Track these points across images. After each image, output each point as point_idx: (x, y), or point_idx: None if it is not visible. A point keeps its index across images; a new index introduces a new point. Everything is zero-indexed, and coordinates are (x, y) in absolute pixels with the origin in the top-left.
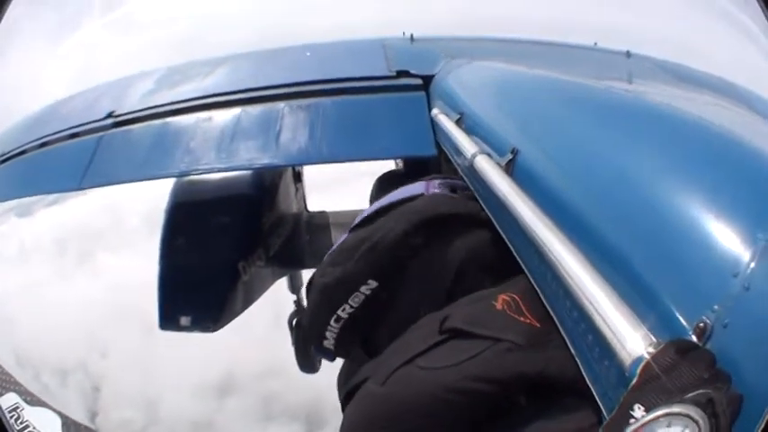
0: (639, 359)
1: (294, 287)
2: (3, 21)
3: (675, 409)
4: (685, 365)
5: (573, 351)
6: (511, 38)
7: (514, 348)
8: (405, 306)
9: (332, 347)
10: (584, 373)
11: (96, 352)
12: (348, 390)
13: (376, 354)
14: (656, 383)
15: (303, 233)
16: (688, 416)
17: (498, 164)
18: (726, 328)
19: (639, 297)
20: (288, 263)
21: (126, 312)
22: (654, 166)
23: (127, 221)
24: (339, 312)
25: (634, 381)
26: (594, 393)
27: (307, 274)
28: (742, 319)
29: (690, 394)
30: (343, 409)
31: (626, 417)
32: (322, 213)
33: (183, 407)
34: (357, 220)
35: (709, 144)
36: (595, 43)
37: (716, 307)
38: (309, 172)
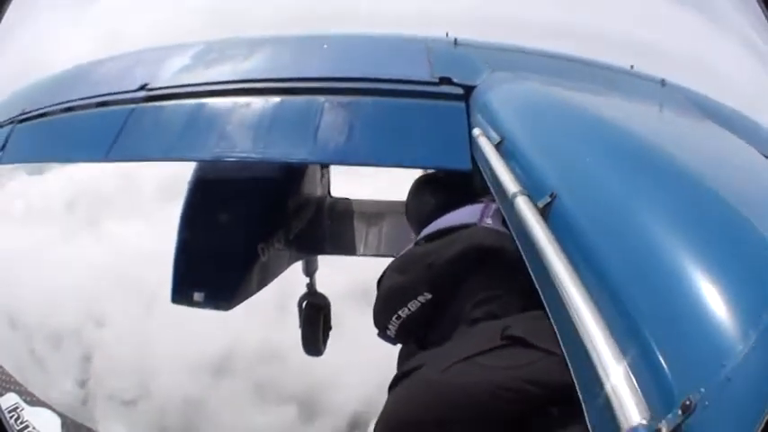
0: (635, 429)
1: (309, 271)
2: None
3: None
4: None
5: (581, 396)
6: (552, 52)
7: (564, 362)
8: (452, 316)
9: (393, 336)
10: (584, 412)
11: (93, 320)
12: (402, 372)
13: (426, 347)
14: None
15: (325, 218)
16: None
17: (536, 206)
18: (705, 411)
19: (644, 362)
20: (307, 247)
21: (128, 283)
22: (677, 234)
23: (142, 188)
24: (399, 312)
25: None
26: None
27: (322, 259)
28: (718, 406)
29: None
30: (390, 390)
31: None
32: (345, 200)
33: (176, 383)
34: (423, 234)
35: (728, 219)
36: (632, 66)
37: (702, 390)
38: None
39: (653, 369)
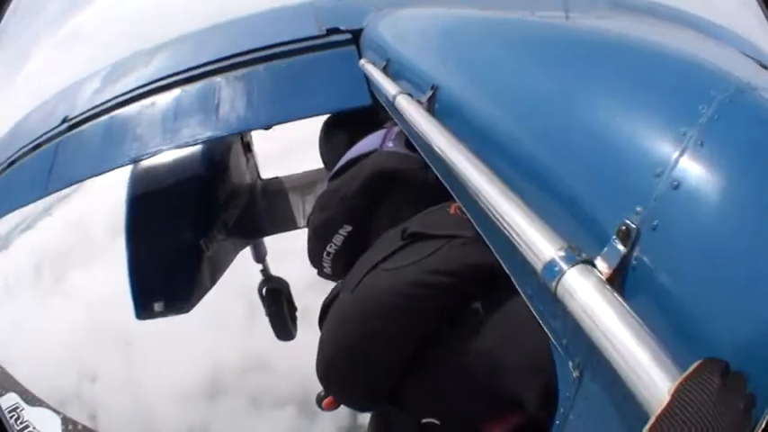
0: (551, 263)
1: (259, 257)
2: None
3: None
4: (725, 395)
5: (508, 270)
6: None
7: (468, 242)
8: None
9: (330, 273)
10: (517, 286)
11: (87, 377)
12: (323, 307)
13: None
14: (694, 416)
15: (259, 201)
16: None
17: (419, 101)
18: (655, 231)
19: (559, 209)
20: (248, 232)
21: (105, 331)
22: (569, 82)
23: (93, 233)
24: (327, 248)
25: (663, 404)
26: (525, 298)
27: (269, 242)
28: (674, 219)
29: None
30: (320, 329)
31: None
32: (275, 179)
33: (178, 416)
34: (333, 171)
35: (619, 52)
36: None
37: (639, 209)
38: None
39: (573, 212)
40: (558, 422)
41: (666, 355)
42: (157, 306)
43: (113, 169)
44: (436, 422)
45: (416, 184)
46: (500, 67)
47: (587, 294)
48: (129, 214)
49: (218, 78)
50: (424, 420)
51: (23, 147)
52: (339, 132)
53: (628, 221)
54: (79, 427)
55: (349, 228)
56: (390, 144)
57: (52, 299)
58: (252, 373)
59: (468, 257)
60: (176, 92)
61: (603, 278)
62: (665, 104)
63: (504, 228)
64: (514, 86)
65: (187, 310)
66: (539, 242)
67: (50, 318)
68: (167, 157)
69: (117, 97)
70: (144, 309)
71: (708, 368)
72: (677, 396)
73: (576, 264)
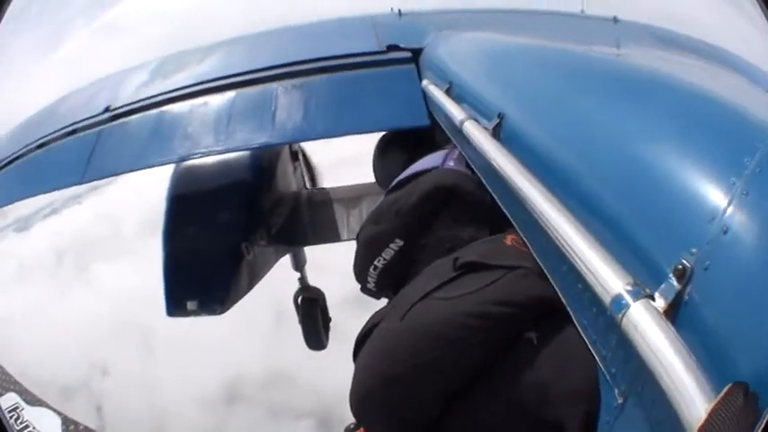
0: (619, 297)
1: (298, 265)
2: (2, 21)
3: None
4: (747, 412)
5: (564, 300)
6: (497, 8)
7: (529, 274)
8: (425, 261)
9: (373, 289)
10: (572, 315)
11: (98, 370)
12: (361, 335)
13: None
14: (722, 429)
15: (304, 210)
16: None
17: (485, 128)
18: (707, 271)
19: (620, 244)
20: (290, 240)
21: (125, 326)
22: (630, 122)
23: (124, 228)
24: (375, 262)
25: (699, 425)
26: (579, 328)
27: (309, 251)
28: (722, 262)
29: None
30: (354, 359)
31: None
32: (321, 190)
33: (191, 419)
34: (393, 184)
35: (681, 100)
36: (582, 10)
37: (694, 250)
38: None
39: (634, 249)
40: None
41: (708, 381)
42: (191, 305)
43: (159, 165)
44: None
45: (473, 203)
46: (564, 101)
47: (648, 327)
48: (171, 210)
49: (275, 85)
50: None
51: (57, 131)
52: (395, 150)
53: (684, 261)
54: (80, 427)
55: (400, 242)
56: (451, 163)
57: (71, 288)
58: (273, 384)
59: (531, 289)
60: (231, 94)
61: (661, 312)
62: (716, 153)
63: (574, 259)
64: (578, 122)
65: (221, 312)
66: (608, 277)
67: (67, 307)
68: (215, 157)
69: (167, 93)
70: (176, 306)
71: (735, 391)
72: (712, 415)
73: (640, 298)
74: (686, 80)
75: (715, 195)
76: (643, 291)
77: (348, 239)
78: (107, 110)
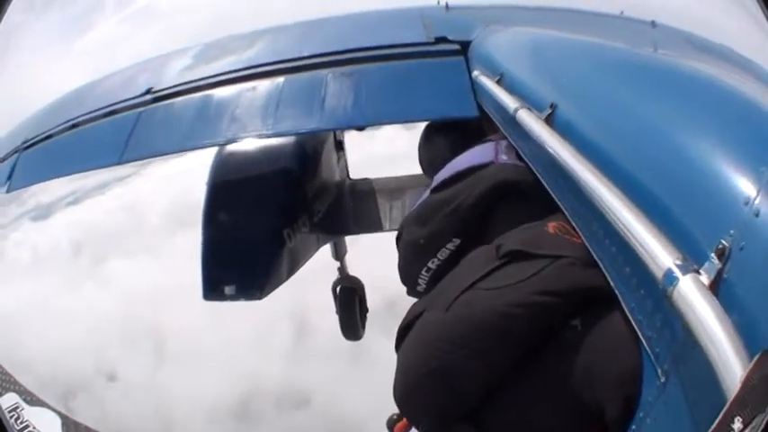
0: (670, 271)
1: (338, 254)
2: (2, 21)
3: None
4: None
5: (612, 283)
6: (541, 6)
7: (575, 263)
8: None
9: (423, 291)
10: (620, 298)
11: (104, 375)
12: (403, 326)
13: None
14: (753, 394)
15: (347, 200)
16: None
17: (539, 117)
18: (742, 251)
19: (666, 226)
20: (332, 229)
21: (136, 330)
22: (672, 115)
23: (147, 222)
24: (429, 264)
25: (735, 391)
26: (626, 309)
27: (350, 240)
28: (755, 242)
29: None
30: (397, 350)
31: (727, 430)
32: (365, 180)
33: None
34: (437, 183)
35: (717, 96)
36: (622, 12)
37: (732, 231)
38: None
39: (678, 230)
40: (634, 426)
41: (744, 349)
42: (228, 289)
43: (204, 147)
44: None
45: (533, 198)
46: (611, 93)
47: (696, 299)
48: (212, 195)
49: (325, 72)
50: None
51: (93, 111)
52: (440, 137)
53: (723, 242)
54: (81, 427)
55: (457, 241)
56: (505, 157)
57: (85, 284)
58: (287, 404)
59: (576, 278)
60: (280, 80)
61: (707, 286)
62: (749, 145)
63: (626, 237)
64: (625, 113)
65: (259, 298)
66: (659, 251)
67: (79, 301)
68: (259, 143)
69: (213, 76)
70: (213, 290)
71: (765, 358)
72: (746, 383)
73: (689, 272)
74: (724, 80)
75: (748, 182)
76: (692, 266)
77: (390, 230)
78: (148, 92)
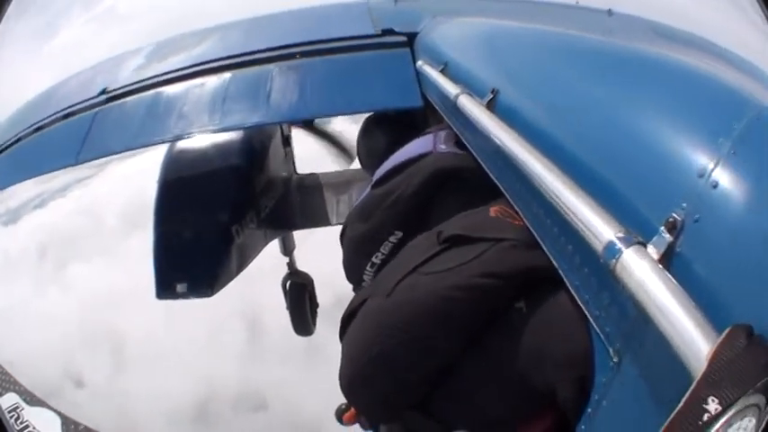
0: (611, 244)
1: (287, 250)
2: (2, 21)
3: (751, 400)
4: (749, 353)
5: (556, 264)
6: None
7: (517, 245)
8: None
9: None
10: (564, 278)
11: (72, 380)
12: (347, 314)
13: None
14: (726, 372)
15: (294, 195)
16: (756, 405)
17: (480, 102)
18: (697, 223)
19: (612, 203)
20: (280, 224)
21: (96, 334)
22: (620, 94)
23: (103, 224)
24: (373, 259)
25: (703, 369)
26: (572, 289)
27: (299, 237)
28: (712, 214)
29: (758, 383)
30: (341, 338)
31: (699, 410)
32: (311, 175)
33: None
34: (377, 178)
35: (670, 74)
36: (577, 1)
37: (684, 204)
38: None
39: (625, 206)
40: (589, 410)
41: (707, 323)
42: (180, 287)
43: (154, 144)
44: None
45: (473, 185)
46: (556, 77)
47: (643, 271)
48: (162, 193)
49: (271, 66)
50: None
51: (53, 114)
52: (378, 131)
53: (674, 215)
54: (80, 427)
55: (400, 234)
56: (443, 146)
57: (50, 287)
58: (245, 406)
59: (518, 260)
60: (227, 75)
61: (655, 259)
62: (706, 119)
63: (566, 214)
64: (568, 93)
65: (210, 295)
66: (600, 226)
67: (45, 307)
68: (207, 140)
69: (163, 74)
70: (166, 288)
71: (735, 333)
72: (714, 360)
73: (633, 245)
74: (678, 58)
75: (704, 154)
76: (635, 238)
77: (337, 224)
78: (103, 92)
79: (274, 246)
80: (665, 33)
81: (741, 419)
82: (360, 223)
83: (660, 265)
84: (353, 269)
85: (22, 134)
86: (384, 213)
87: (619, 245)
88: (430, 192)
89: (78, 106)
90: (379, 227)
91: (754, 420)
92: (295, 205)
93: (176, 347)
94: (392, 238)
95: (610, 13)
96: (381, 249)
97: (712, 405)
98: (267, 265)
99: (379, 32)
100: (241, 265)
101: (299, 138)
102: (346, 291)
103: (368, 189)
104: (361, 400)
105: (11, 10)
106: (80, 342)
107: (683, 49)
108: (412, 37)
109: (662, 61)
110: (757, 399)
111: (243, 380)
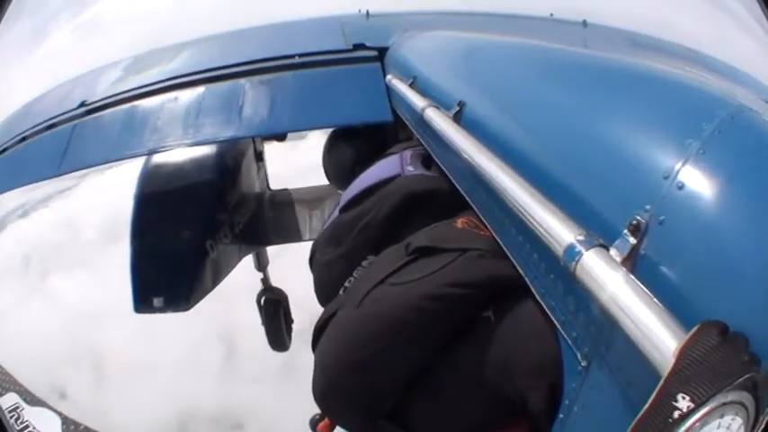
0: (571, 246)
1: (260, 265)
2: (2, 21)
3: (730, 397)
4: (724, 349)
5: (522, 272)
6: (465, 10)
7: (484, 255)
8: None
9: None
10: (530, 286)
11: (56, 392)
12: (318, 326)
13: None
14: (698, 369)
15: (267, 211)
16: (740, 403)
17: (446, 115)
18: (662, 225)
19: (575, 207)
20: (253, 239)
21: (77, 347)
22: (584, 98)
23: (83, 235)
24: (346, 284)
25: (671, 365)
26: (538, 297)
27: (272, 251)
28: (677, 215)
29: (738, 380)
30: (314, 349)
31: (668, 407)
32: (284, 191)
33: None
34: (344, 202)
35: (636, 77)
36: (551, 14)
37: (648, 207)
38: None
39: (588, 210)
40: (561, 415)
41: (673, 321)
42: (157, 301)
43: (129, 158)
44: None
45: (443, 206)
46: (523, 88)
47: (603, 272)
48: (138, 208)
49: (243, 81)
50: None
51: (37, 125)
52: (344, 145)
53: (638, 217)
54: (80, 427)
55: (372, 258)
56: (411, 168)
57: (32, 299)
58: (222, 424)
59: (485, 269)
60: (201, 89)
61: (618, 261)
62: (673, 121)
63: (527, 218)
64: (537, 104)
65: (186, 309)
66: (559, 229)
67: (28, 319)
68: (181, 156)
69: (139, 88)
70: (143, 303)
71: (706, 329)
72: (682, 355)
73: (594, 247)
74: (646, 63)
75: (670, 155)
76: (596, 240)
77: (310, 239)
78: (82, 104)
79: (251, 266)
80: (641, 42)
81: (720, 417)
82: (331, 248)
83: (622, 266)
84: (326, 294)
85: (10, 143)
86: (355, 239)
87: (579, 247)
88: (400, 216)
89: (59, 118)
90: (351, 252)
91: (740, 419)
92: (268, 221)
93: (155, 364)
94: (365, 263)
95: (585, 24)
96: (354, 274)
97: (683, 402)
98: (243, 284)
99: (351, 47)
100: (216, 280)
101: (272, 154)
102: (320, 311)
103: (336, 213)
104: (334, 409)
105: (7, 14)
106: (63, 354)
107: (660, 56)
108: (383, 51)
109: (630, 67)
110: (738, 396)
111: (220, 399)
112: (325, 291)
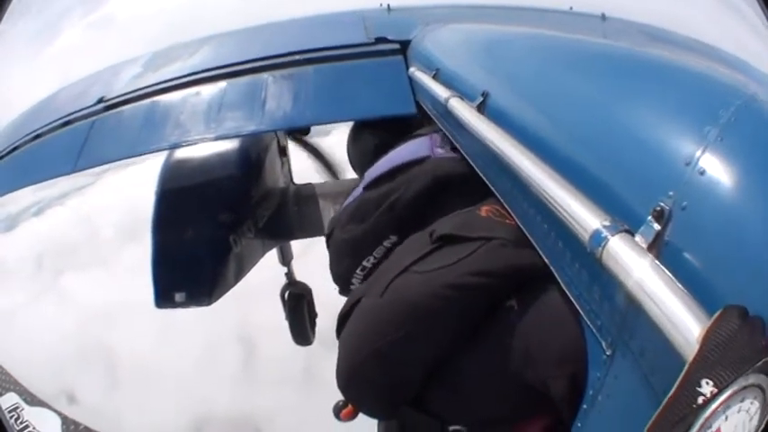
0: (597, 232)
1: (285, 260)
2: (2, 21)
3: (750, 380)
4: (745, 333)
5: (547, 260)
6: (486, 4)
7: (507, 244)
8: None
9: None
10: (555, 274)
11: (65, 396)
12: (342, 314)
13: None
14: (721, 353)
15: (291, 205)
16: (758, 386)
17: (470, 105)
18: (684, 210)
19: (599, 194)
20: (277, 234)
21: (90, 349)
22: (606, 87)
23: (100, 234)
24: (364, 263)
25: (695, 352)
26: (563, 285)
27: (296, 246)
28: (700, 201)
29: (758, 363)
30: (338, 336)
31: (693, 393)
32: (308, 185)
33: None
34: (371, 179)
35: (655, 66)
36: (571, 7)
37: (671, 193)
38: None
39: (612, 196)
40: (585, 406)
41: (698, 306)
42: (178, 297)
43: (151, 152)
44: (463, 429)
45: (472, 190)
46: (545, 78)
47: (630, 258)
48: (160, 203)
49: (265, 75)
50: (452, 428)
51: (52, 122)
52: (368, 134)
53: (662, 204)
54: (81, 427)
55: (394, 238)
56: (441, 150)
57: (47, 296)
58: (239, 431)
59: (509, 258)
60: (222, 84)
61: (643, 247)
62: (692, 109)
63: (552, 205)
64: (559, 94)
65: (208, 304)
66: (585, 215)
67: (41, 318)
68: (204, 150)
69: (159, 83)
70: (164, 298)
71: (728, 313)
72: (707, 340)
73: (619, 232)
74: (665, 54)
75: (690, 142)
76: (621, 226)
77: None
78: (100, 101)
79: (273, 265)
80: (658, 36)
81: (741, 401)
82: (353, 225)
83: (648, 252)
84: (342, 272)
85: (22, 141)
86: (380, 217)
87: (605, 233)
88: (429, 197)
89: (76, 114)
90: (374, 230)
91: (757, 403)
92: (292, 215)
93: (171, 366)
94: (386, 243)
95: (603, 17)
96: (374, 253)
97: (707, 388)
98: (265, 284)
99: (373, 40)
100: (239, 275)
101: (295, 149)
102: None
103: (359, 190)
104: (357, 396)
105: (11, 10)
106: (74, 356)
107: (676, 49)
108: (405, 44)
109: (648, 57)
110: (757, 379)
111: (237, 403)
112: (341, 268)
